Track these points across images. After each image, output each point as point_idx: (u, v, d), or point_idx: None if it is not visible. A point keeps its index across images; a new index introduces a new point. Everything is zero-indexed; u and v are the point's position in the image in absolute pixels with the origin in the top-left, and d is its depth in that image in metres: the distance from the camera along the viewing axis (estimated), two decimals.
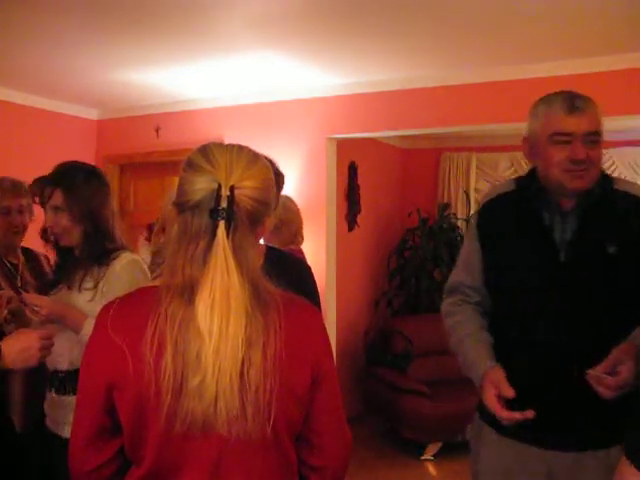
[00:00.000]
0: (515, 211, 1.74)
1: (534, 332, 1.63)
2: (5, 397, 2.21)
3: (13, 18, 2.98)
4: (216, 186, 1.08)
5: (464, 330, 1.77)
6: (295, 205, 3.33)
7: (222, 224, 1.07)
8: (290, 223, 3.15)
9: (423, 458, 4.48)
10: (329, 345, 1.23)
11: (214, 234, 1.07)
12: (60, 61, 3.70)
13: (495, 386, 1.57)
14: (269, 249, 1.92)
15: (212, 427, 1.06)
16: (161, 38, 3.27)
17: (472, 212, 1.91)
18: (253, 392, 1.06)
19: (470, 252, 1.82)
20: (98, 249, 1.98)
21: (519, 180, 1.82)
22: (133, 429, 1.10)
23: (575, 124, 1.59)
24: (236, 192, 1.08)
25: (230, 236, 1.07)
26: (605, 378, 1.45)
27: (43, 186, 1.98)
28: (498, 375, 1.58)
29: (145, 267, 2.05)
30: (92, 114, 5.15)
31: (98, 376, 1.11)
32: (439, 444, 4.51)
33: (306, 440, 1.20)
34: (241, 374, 1.05)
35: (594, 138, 1.60)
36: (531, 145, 1.70)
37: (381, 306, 5.59)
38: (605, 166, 5.46)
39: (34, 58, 3.65)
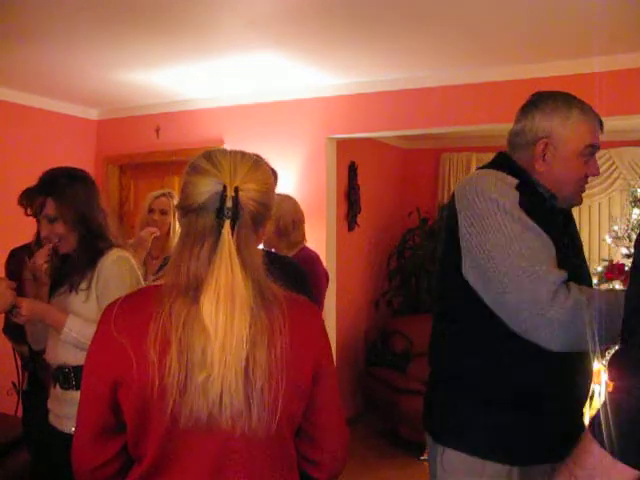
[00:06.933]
0: (538, 205, 1.52)
1: None
2: None
3: (13, 18, 2.98)
4: (221, 188, 1.11)
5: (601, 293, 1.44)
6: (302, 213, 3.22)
7: (227, 223, 1.10)
8: (293, 231, 3.07)
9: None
10: (329, 343, 1.26)
11: (219, 233, 1.10)
12: (60, 61, 3.70)
13: None
14: (266, 253, 1.95)
15: (216, 423, 1.07)
16: (161, 38, 3.27)
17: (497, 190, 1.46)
18: (259, 389, 1.07)
19: (538, 237, 1.42)
20: (92, 250, 2.02)
21: (512, 173, 1.56)
22: (137, 426, 1.11)
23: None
24: (240, 194, 1.11)
25: (235, 235, 1.10)
26: None
27: (33, 197, 2.00)
28: None
29: (134, 263, 2.08)
30: (92, 114, 5.14)
31: (102, 374, 1.13)
32: None
33: (306, 435, 1.22)
34: (246, 371, 1.07)
35: None
36: (553, 147, 1.53)
37: (381, 306, 5.60)
38: (605, 166, 5.48)
39: (34, 58, 3.64)
